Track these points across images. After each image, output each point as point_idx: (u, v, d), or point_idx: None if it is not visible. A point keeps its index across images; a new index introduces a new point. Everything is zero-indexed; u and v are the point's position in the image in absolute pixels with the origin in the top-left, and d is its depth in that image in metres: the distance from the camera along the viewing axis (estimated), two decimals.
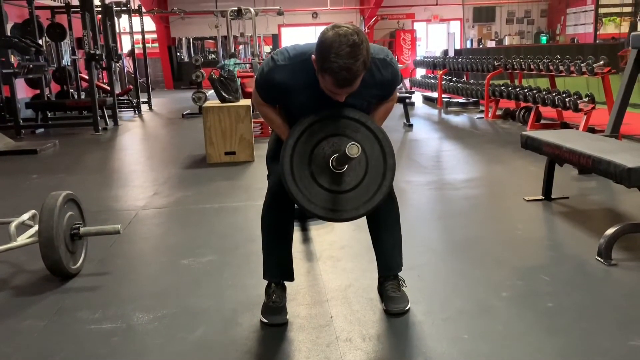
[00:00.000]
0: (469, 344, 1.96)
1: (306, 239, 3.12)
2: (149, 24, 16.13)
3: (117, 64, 11.05)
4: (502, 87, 7.63)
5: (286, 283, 2.28)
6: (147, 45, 12.42)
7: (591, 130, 5.66)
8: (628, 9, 17.73)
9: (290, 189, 1.91)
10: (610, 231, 2.66)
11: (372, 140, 1.94)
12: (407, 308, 2.20)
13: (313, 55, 1.83)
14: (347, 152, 1.72)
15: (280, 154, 1.96)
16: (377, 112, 2.14)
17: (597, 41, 16.86)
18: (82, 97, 10.42)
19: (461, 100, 9.47)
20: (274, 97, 2.05)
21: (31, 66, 8.25)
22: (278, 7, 11.95)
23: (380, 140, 1.95)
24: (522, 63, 7.35)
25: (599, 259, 2.63)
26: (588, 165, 2.93)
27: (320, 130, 1.92)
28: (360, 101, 2.00)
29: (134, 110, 10.96)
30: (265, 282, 2.25)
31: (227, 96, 5.57)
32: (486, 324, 2.10)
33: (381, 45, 2.06)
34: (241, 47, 16.47)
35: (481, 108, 8.73)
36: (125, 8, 11.27)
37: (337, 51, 1.72)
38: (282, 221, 2.19)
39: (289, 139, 1.94)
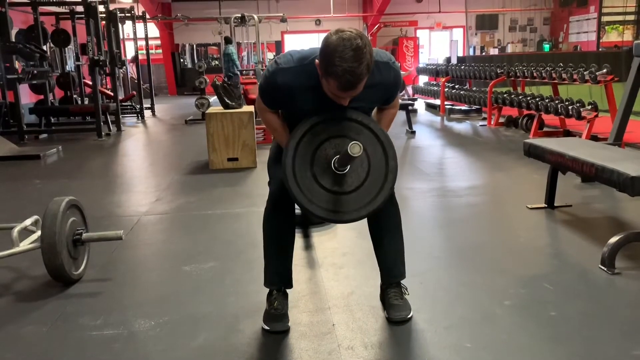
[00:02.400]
0: (471, 352, 1.95)
1: (308, 246, 3.11)
2: (153, 30, 16.20)
3: (121, 70, 11.11)
4: (505, 95, 7.63)
5: (288, 290, 2.28)
6: (150, 51, 12.47)
7: (594, 138, 5.65)
8: (631, 17, 17.74)
9: (292, 189, 1.91)
10: (613, 240, 2.64)
11: (374, 142, 1.94)
12: (409, 316, 2.19)
13: (317, 60, 1.83)
14: (349, 151, 1.72)
15: (281, 159, 1.96)
16: (382, 120, 2.16)
17: (600, 49, 16.86)
18: (86, 102, 10.46)
19: (464, 107, 9.48)
20: (277, 101, 2.05)
21: (35, 72, 8.29)
22: (281, 14, 12.00)
23: (383, 142, 1.95)
24: (525, 71, 7.35)
25: (602, 267, 2.62)
26: (591, 174, 2.92)
27: (323, 131, 1.93)
28: (363, 104, 2.01)
29: (137, 116, 10.99)
30: (267, 289, 2.25)
31: (230, 102, 5.58)
32: (489, 332, 2.09)
33: (385, 50, 2.08)
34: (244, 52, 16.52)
35: (484, 115, 8.73)
36: (129, 14, 11.34)
37: (341, 55, 1.72)
38: (283, 228, 2.19)
39: (291, 140, 1.94)
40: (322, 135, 1.93)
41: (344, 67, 1.72)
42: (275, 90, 1.96)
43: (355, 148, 1.72)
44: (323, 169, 1.91)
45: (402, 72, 2.13)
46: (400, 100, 2.18)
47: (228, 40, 11.72)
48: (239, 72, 11.23)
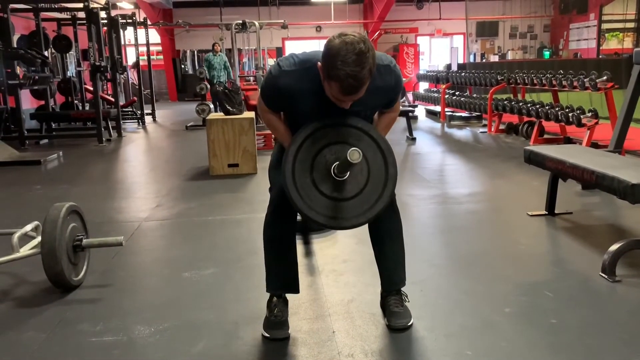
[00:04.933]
0: None
1: (308, 253, 3.11)
2: (154, 36, 16.25)
3: (122, 76, 11.13)
4: (505, 102, 7.64)
5: (288, 297, 2.27)
6: (151, 57, 12.51)
7: (594, 145, 5.66)
8: (631, 25, 17.78)
9: (291, 195, 1.92)
10: (614, 247, 2.64)
11: (374, 148, 1.95)
12: (409, 323, 2.19)
13: (319, 63, 1.84)
14: (348, 157, 1.73)
15: (281, 165, 1.96)
16: (381, 122, 2.16)
17: (600, 56, 16.90)
18: (87, 108, 10.48)
19: (464, 114, 9.49)
20: (278, 103, 2.05)
21: (37, 77, 8.31)
22: (282, 21, 12.01)
23: (383, 149, 1.95)
24: (525, 78, 7.36)
25: (603, 275, 2.62)
26: (591, 181, 2.92)
27: (323, 137, 1.93)
28: (364, 109, 2.01)
29: (138, 122, 11.01)
30: (267, 296, 2.25)
31: (230, 109, 5.59)
32: (489, 340, 2.09)
33: (386, 54, 2.07)
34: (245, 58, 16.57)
35: (484, 122, 8.74)
36: (130, 20, 11.38)
37: (343, 59, 1.73)
38: (284, 233, 2.18)
39: (291, 146, 1.94)
40: (322, 142, 1.94)
41: (347, 72, 1.73)
42: (277, 92, 1.97)
43: (354, 155, 1.72)
44: (323, 175, 1.91)
45: (403, 79, 2.12)
46: (400, 107, 2.17)
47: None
48: (211, 80, 11.31)
